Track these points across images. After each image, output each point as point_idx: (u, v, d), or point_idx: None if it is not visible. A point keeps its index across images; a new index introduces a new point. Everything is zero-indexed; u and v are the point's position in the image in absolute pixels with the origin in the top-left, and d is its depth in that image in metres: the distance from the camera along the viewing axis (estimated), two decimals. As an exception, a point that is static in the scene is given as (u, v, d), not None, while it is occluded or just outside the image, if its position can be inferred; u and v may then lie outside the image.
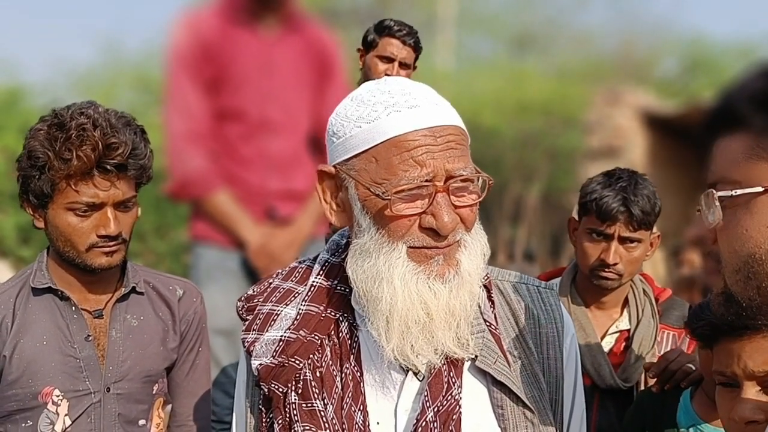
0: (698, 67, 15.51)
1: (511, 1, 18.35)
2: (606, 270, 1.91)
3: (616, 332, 2.02)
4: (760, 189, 0.88)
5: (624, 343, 2.00)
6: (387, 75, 2.11)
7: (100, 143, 1.52)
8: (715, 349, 1.41)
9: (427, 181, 1.12)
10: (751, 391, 1.34)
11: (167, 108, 2.77)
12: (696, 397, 1.69)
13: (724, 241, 0.92)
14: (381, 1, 17.04)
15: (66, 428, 1.58)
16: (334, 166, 1.19)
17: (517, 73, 14.50)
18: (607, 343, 2.00)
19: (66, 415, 1.59)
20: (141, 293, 1.70)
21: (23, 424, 1.58)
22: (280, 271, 1.30)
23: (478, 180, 1.16)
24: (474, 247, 1.17)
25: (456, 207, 1.14)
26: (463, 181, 1.14)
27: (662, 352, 1.94)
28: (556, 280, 2.05)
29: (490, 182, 1.17)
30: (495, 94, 13.34)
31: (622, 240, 1.90)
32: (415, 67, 2.26)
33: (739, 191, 0.89)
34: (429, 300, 1.13)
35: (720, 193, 0.90)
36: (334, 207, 1.21)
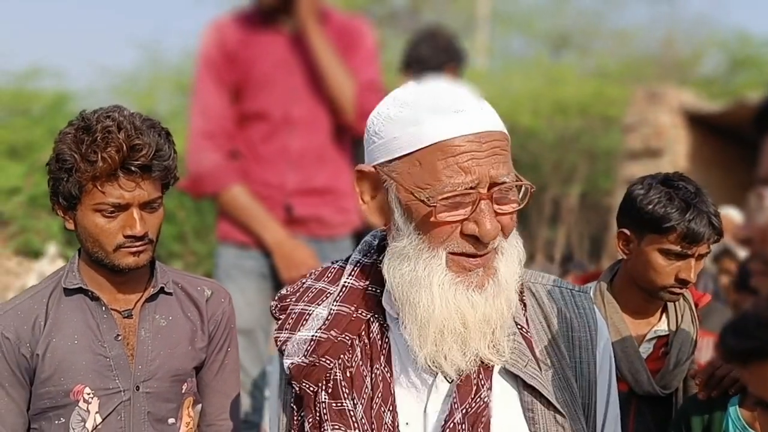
0: (742, 65, 15.11)
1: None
2: (681, 287, 1.86)
3: (654, 338, 1.96)
4: None
5: (662, 349, 1.94)
6: None
7: (124, 145, 1.54)
8: (748, 371, 1.35)
9: (471, 188, 1.10)
10: None
11: (191, 109, 2.81)
12: (745, 404, 1.63)
13: None
14: (417, 3, 17.02)
15: (97, 425, 1.61)
16: (374, 167, 1.18)
17: (554, 72, 14.33)
18: (645, 349, 1.94)
19: (97, 412, 1.61)
20: (169, 294, 1.71)
21: (56, 422, 1.61)
22: (313, 271, 1.30)
23: (519, 187, 1.15)
24: (511, 254, 1.16)
25: (497, 214, 1.12)
26: (506, 189, 1.13)
27: (702, 359, 1.89)
28: (592, 284, 2.01)
29: (532, 189, 1.15)
30: (532, 94, 13.19)
31: (699, 256, 1.85)
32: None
33: None
34: (467, 311, 1.12)
35: None
36: (373, 207, 1.20)
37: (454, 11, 16.88)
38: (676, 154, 7.94)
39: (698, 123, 8.21)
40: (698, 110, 8.15)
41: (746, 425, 1.59)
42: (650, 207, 1.83)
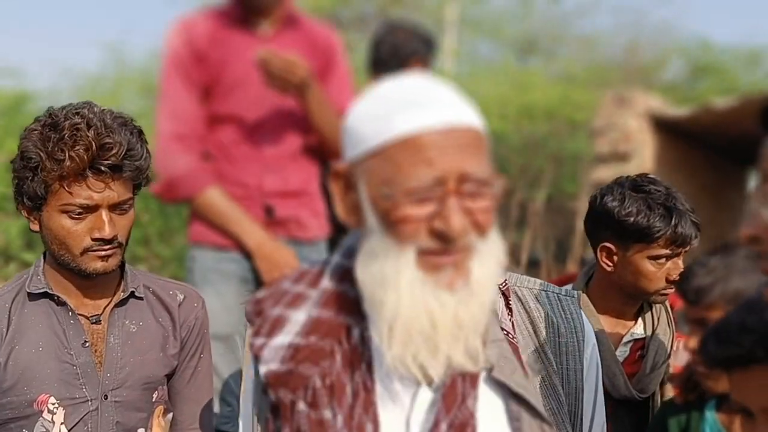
0: (703, 72, 15.46)
1: (515, 5, 18.34)
2: (671, 287, 1.87)
3: (630, 341, 1.96)
4: None
5: (639, 353, 1.95)
6: None
7: (93, 143, 1.47)
8: (730, 378, 1.34)
9: (437, 182, 1.06)
10: (763, 425, 1.27)
11: (159, 110, 2.72)
12: (723, 407, 1.64)
13: None
14: (385, 6, 17.04)
15: (62, 437, 1.54)
16: (347, 165, 1.14)
17: (521, 77, 14.46)
18: (622, 353, 1.94)
19: (62, 423, 1.54)
20: (140, 298, 1.65)
21: None
22: (290, 273, 1.25)
23: (494, 184, 1.10)
24: (487, 255, 1.11)
25: (469, 211, 1.08)
26: (477, 184, 1.08)
27: (678, 362, 1.89)
28: (567, 287, 2.00)
29: (502, 186, 1.11)
30: (499, 98, 13.28)
31: (684, 253, 1.88)
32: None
33: None
34: (435, 310, 1.07)
35: None
36: (347, 207, 1.15)
37: (422, 15, 16.92)
38: (643, 158, 8.05)
39: (664, 128, 8.34)
40: (665, 115, 8.28)
41: (723, 429, 1.59)
42: (632, 219, 1.83)
